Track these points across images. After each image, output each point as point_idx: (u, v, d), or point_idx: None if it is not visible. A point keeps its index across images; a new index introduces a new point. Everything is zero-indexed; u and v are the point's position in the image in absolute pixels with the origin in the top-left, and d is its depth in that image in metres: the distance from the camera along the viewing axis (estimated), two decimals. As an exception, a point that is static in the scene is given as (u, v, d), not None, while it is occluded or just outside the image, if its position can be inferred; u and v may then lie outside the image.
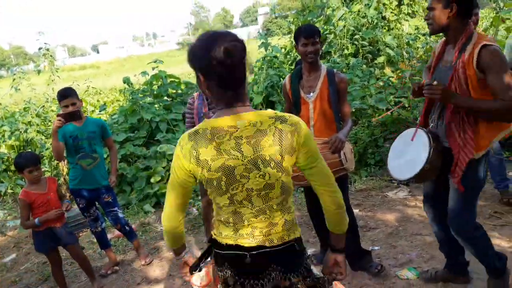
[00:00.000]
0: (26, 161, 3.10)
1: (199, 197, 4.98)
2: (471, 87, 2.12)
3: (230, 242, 1.47)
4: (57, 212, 3.14)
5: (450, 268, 2.68)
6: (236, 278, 1.47)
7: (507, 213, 3.57)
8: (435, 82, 2.17)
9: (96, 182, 3.50)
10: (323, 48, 9.19)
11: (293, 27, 10.08)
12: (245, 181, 1.39)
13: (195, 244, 3.96)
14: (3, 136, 6.50)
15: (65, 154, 3.46)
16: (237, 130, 1.37)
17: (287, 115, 1.43)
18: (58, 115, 3.21)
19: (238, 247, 1.46)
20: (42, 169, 5.80)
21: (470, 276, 2.68)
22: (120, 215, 3.62)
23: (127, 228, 3.68)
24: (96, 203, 3.63)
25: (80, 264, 3.46)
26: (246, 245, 1.45)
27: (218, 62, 1.29)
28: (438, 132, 2.36)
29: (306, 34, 2.72)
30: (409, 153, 2.43)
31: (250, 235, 1.45)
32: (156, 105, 7.24)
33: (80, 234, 4.72)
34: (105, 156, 4.15)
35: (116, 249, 4.06)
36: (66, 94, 3.35)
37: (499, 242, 3.10)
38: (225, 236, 1.48)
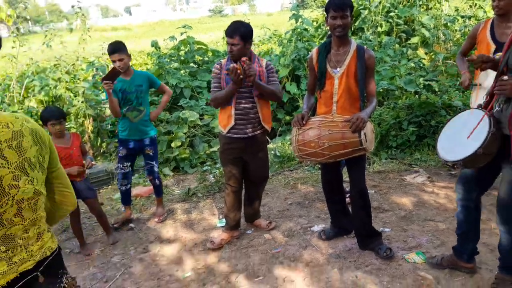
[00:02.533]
0: (50, 115, 3.20)
1: (217, 165, 5.04)
2: None
3: (11, 276, 1.28)
4: (79, 169, 3.25)
5: (458, 254, 2.64)
6: None
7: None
8: (505, 77, 2.01)
9: (142, 133, 3.67)
10: (355, 24, 8.92)
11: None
12: (14, 192, 1.23)
13: (208, 209, 4.04)
14: (33, 90, 6.65)
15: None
16: None
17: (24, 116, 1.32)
18: (102, 80, 3.27)
19: (22, 275, 1.30)
20: (69, 126, 6.01)
21: (477, 266, 2.65)
22: (156, 169, 3.82)
23: (157, 182, 3.87)
24: (136, 157, 3.89)
25: (97, 218, 3.59)
26: (30, 267, 1.32)
27: None
28: (501, 117, 2.18)
29: (336, 7, 2.62)
30: (464, 134, 2.23)
31: (29, 255, 1.33)
32: (182, 71, 7.25)
33: (100, 191, 4.88)
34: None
35: (134, 208, 4.19)
36: (115, 50, 3.43)
37: None
38: None
